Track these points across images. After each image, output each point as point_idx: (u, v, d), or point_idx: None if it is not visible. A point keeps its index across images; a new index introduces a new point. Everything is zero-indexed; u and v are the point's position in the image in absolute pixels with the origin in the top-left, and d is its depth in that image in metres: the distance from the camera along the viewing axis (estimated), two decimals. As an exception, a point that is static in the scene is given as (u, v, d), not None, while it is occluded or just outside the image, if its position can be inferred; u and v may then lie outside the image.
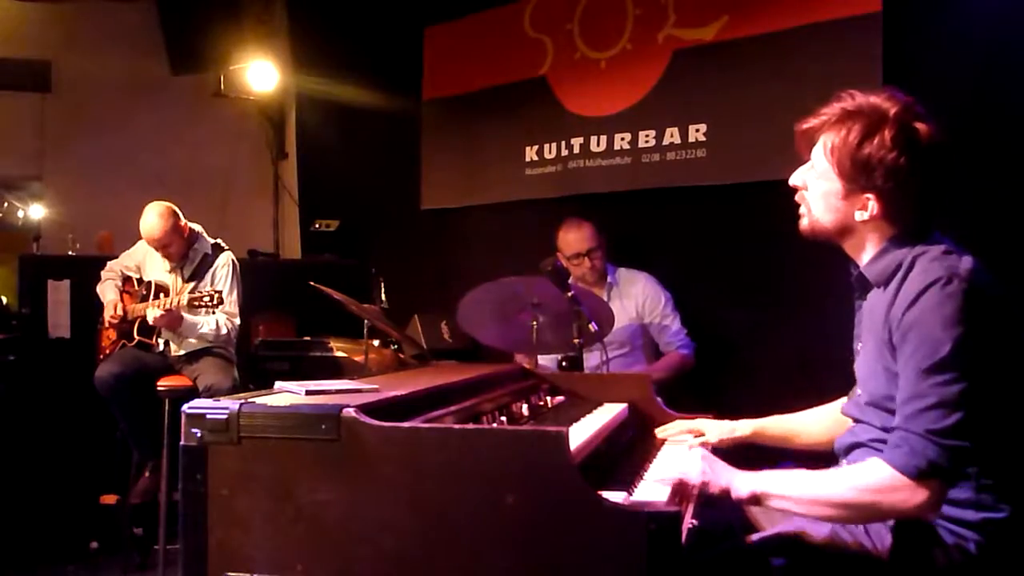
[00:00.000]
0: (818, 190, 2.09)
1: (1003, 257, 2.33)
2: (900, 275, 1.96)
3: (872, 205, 2.00)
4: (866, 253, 2.08)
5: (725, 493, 2.03)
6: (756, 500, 2.01)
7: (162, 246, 4.72)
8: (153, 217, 4.66)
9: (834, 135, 2.03)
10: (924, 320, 1.86)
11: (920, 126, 1.97)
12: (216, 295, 4.36)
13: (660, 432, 2.80)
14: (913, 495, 1.84)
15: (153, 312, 4.50)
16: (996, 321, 1.89)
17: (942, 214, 2.06)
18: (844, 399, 2.38)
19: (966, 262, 1.91)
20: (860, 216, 2.03)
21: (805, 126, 2.13)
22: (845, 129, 2.00)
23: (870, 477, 1.89)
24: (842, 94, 2.07)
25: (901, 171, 1.95)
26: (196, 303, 4.40)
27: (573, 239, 4.60)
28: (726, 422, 2.65)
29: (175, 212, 4.72)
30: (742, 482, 2.03)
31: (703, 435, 2.64)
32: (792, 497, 1.97)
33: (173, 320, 4.57)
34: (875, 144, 1.96)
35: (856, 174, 1.99)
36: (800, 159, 2.18)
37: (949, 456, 1.81)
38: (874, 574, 1.98)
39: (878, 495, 1.87)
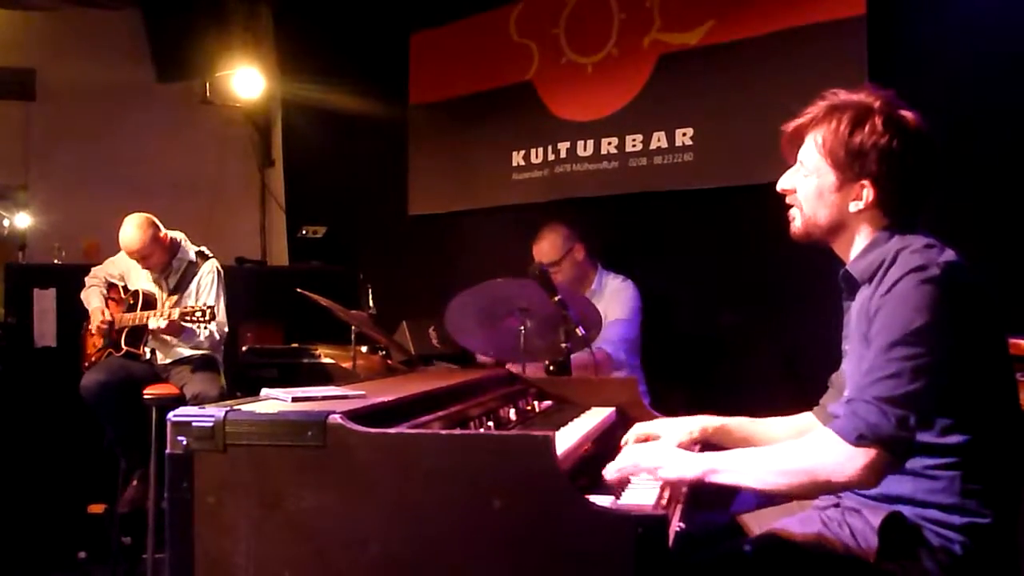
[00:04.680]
0: (810, 187, 2.10)
1: (987, 255, 2.34)
2: (883, 269, 1.97)
3: (867, 193, 2.03)
4: (855, 249, 2.09)
5: (680, 478, 2.06)
6: (706, 478, 2.02)
7: (142, 257, 4.69)
8: (131, 229, 4.63)
9: (823, 130, 2.06)
10: (894, 301, 1.88)
11: (905, 113, 2.03)
12: (209, 310, 4.34)
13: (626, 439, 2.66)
14: (849, 461, 1.83)
15: (157, 322, 4.47)
16: (974, 313, 1.91)
17: (926, 213, 2.08)
18: (810, 412, 2.39)
19: (947, 254, 1.93)
20: (855, 207, 2.05)
21: (792, 126, 2.16)
22: (835, 121, 2.04)
23: (811, 441, 1.92)
24: (825, 94, 2.12)
25: (894, 154, 1.99)
26: (188, 318, 4.37)
27: (536, 251, 4.58)
28: (682, 422, 2.55)
29: (154, 223, 4.69)
30: (689, 467, 2.04)
31: (658, 439, 2.52)
32: (738, 470, 1.97)
33: (175, 330, 4.55)
34: (866, 131, 2.00)
35: (851, 162, 2.02)
36: (785, 163, 2.19)
37: (893, 424, 1.81)
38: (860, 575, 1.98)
39: (815, 461, 1.87)
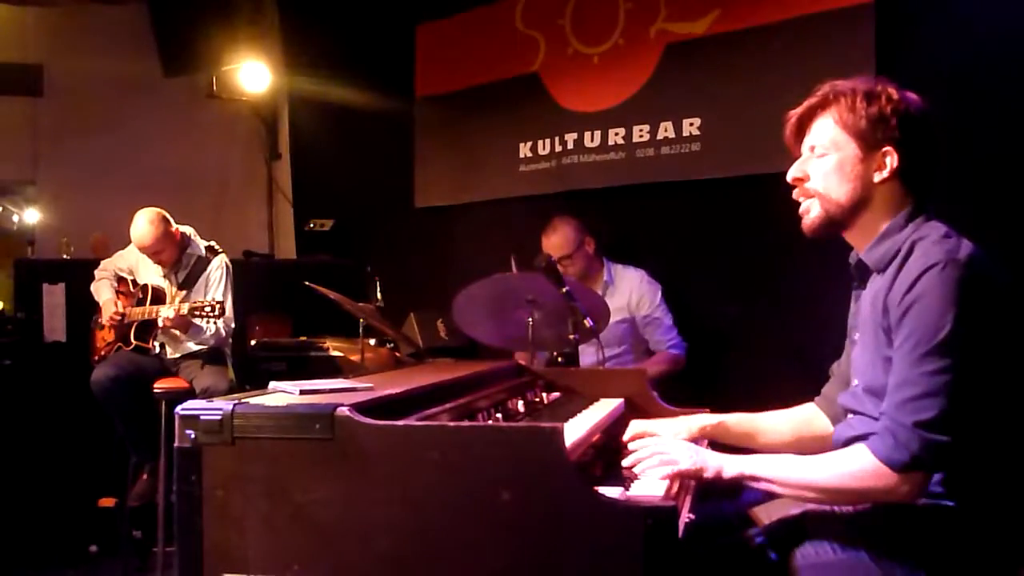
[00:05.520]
0: (829, 165, 2.07)
1: (996, 246, 2.32)
2: (899, 260, 1.95)
3: (890, 160, 2.02)
4: (872, 235, 2.06)
5: (717, 476, 2.05)
6: (741, 482, 2.04)
7: (154, 253, 4.69)
8: (143, 224, 4.62)
9: (837, 108, 2.07)
10: (920, 304, 1.86)
11: (909, 92, 2.06)
12: (218, 305, 4.33)
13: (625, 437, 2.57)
14: (896, 486, 1.87)
15: (166, 311, 4.48)
16: (994, 306, 1.89)
17: (937, 203, 2.06)
18: (812, 403, 2.39)
19: (965, 247, 1.91)
20: (879, 176, 2.03)
21: (796, 114, 2.14)
22: (848, 98, 2.05)
23: (855, 464, 1.92)
24: (821, 85, 2.12)
25: (913, 119, 2.02)
26: (197, 313, 4.37)
27: (546, 244, 4.56)
28: (680, 420, 2.53)
29: (165, 218, 4.68)
30: (727, 464, 2.05)
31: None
32: (778, 480, 2.00)
33: (183, 324, 4.56)
34: (883, 100, 2.03)
35: (873, 129, 2.02)
36: (791, 154, 2.17)
37: (932, 451, 1.83)
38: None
39: (863, 482, 1.90)
